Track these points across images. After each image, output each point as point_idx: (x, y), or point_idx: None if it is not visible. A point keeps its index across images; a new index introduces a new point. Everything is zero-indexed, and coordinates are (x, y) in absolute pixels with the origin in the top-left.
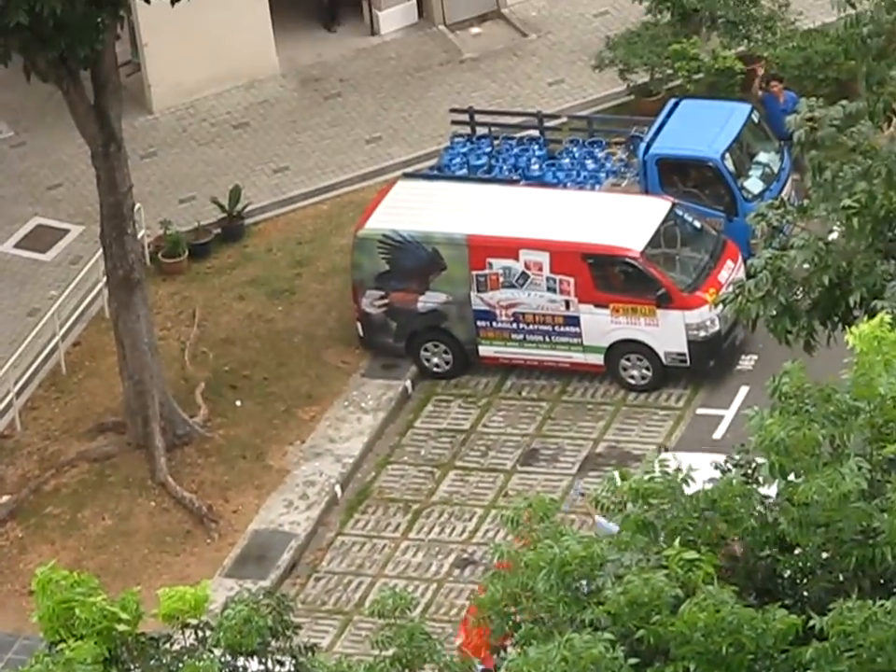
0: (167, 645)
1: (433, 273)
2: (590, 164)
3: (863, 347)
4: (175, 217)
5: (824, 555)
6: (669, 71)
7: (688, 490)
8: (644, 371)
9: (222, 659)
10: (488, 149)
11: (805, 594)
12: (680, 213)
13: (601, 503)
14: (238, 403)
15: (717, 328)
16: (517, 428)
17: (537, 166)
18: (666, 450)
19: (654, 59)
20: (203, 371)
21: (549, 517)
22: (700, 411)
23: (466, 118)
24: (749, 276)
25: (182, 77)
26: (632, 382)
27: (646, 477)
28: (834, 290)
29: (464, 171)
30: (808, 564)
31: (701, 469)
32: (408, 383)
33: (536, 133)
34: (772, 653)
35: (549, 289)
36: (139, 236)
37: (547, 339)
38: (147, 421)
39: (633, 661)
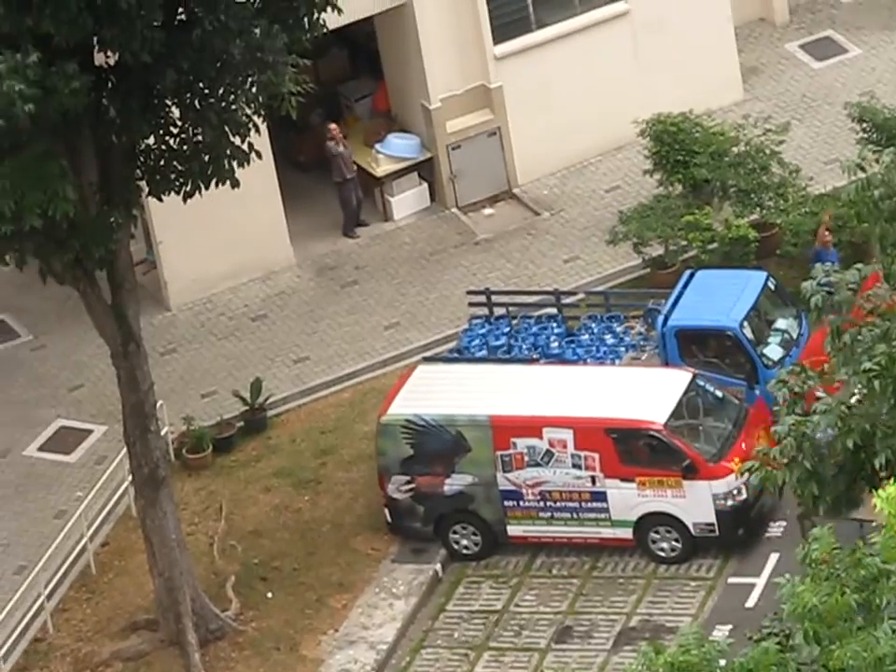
0: None
1: (458, 455)
2: (609, 339)
3: (891, 510)
4: (198, 411)
5: None
6: (683, 242)
7: (723, 662)
8: (673, 543)
9: None
10: (507, 329)
11: None
12: (702, 383)
13: None
14: (269, 595)
15: (744, 496)
16: (549, 606)
17: (556, 344)
18: None
19: (668, 231)
20: (232, 564)
21: None
22: (731, 580)
23: (483, 299)
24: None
25: (198, 272)
26: (662, 554)
27: (681, 650)
28: (859, 453)
29: (483, 352)
30: None
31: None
32: (438, 566)
33: (553, 310)
34: None
35: (574, 466)
36: (162, 433)
37: (575, 515)
38: (179, 617)
39: None
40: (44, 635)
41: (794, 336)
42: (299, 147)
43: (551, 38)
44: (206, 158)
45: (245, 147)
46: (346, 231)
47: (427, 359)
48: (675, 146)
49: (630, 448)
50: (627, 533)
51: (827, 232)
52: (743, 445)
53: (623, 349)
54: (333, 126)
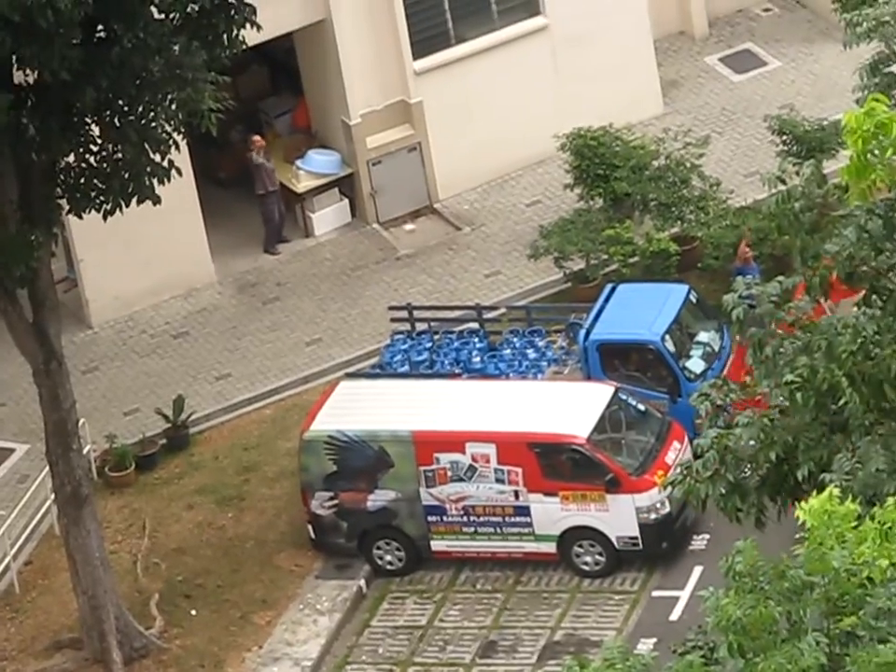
0: None
1: (381, 471)
2: (531, 354)
3: (814, 522)
4: (120, 429)
5: None
6: (604, 256)
7: None
8: (597, 557)
9: None
10: (429, 345)
11: None
12: (624, 397)
13: None
14: (193, 612)
15: (667, 509)
16: (474, 621)
17: (478, 358)
18: None
19: (589, 245)
20: (156, 582)
21: None
22: (655, 593)
23: (405, 314)
24: (696, 456)
25: (119, 290)
26: (586, 568)
27: (605, 664)
28: (782, 466)
29: (406, 367)
30: None
31: None
32: (362, 582)
33: (475, 325)
34: None
35: (497, 480)
36: (85, 451)
37: (498, 530)
38: (103, 636)
39: None
40: None
41: (716, 349)
42: (219, 163)
43: (470, 53)
44: (126, 175)
45: (165, 164)
46: (268, 248)
47: (349, 375)
48: (595, 160)
49: (553, 462)
50: (551, 547)
51: (747, 248)
52: (666, 458)
53: (545, 363)
54: (256, 137)
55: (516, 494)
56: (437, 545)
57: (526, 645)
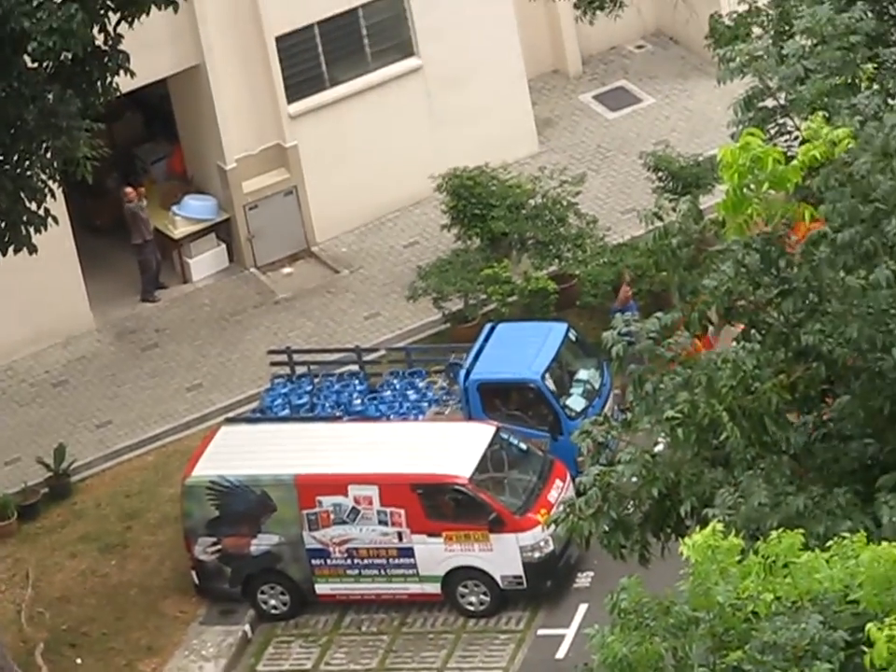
0: None
1: (264, 515)
2: (412, 395)
3: (698, 557)
4: (2, 479)
5: None
6: (483, 296)
7: None
8: (482, 597)
9: None
10: (309, 388)
11: None
12: (505, 436)
13: None
14: (78, 661)
15: (551, 548)
16: (360, 664)
17: (359, 401)
18: None
19: (467, 285)
20: (40, 631)
21: None
22: (541, 632)
23: (284, 358)
24: (578, 494)
25: None
26: (471, 608)
27: None
28: (665, 502)
29: (286, 411)
30: None
31: None
32: (247, 627)
33: (355, 367)
34: None
35: (380, 522)
36: None
37: (382, 572)
38: None
39: None
40: None
41: (596, 386)
42: (95, 211)
43: (345, 96)
44: (2, 224)
45: (41, 212)
46: (145, 296)
47: (229, 420)
48: (472, 199)
49: (436, 503)
50: (436, 588)
51: (628, 289)
52: (549, 497)
53: (426, 404)
54: (129, 190)
55: (400, 535)
56: (321, 588)
57: None
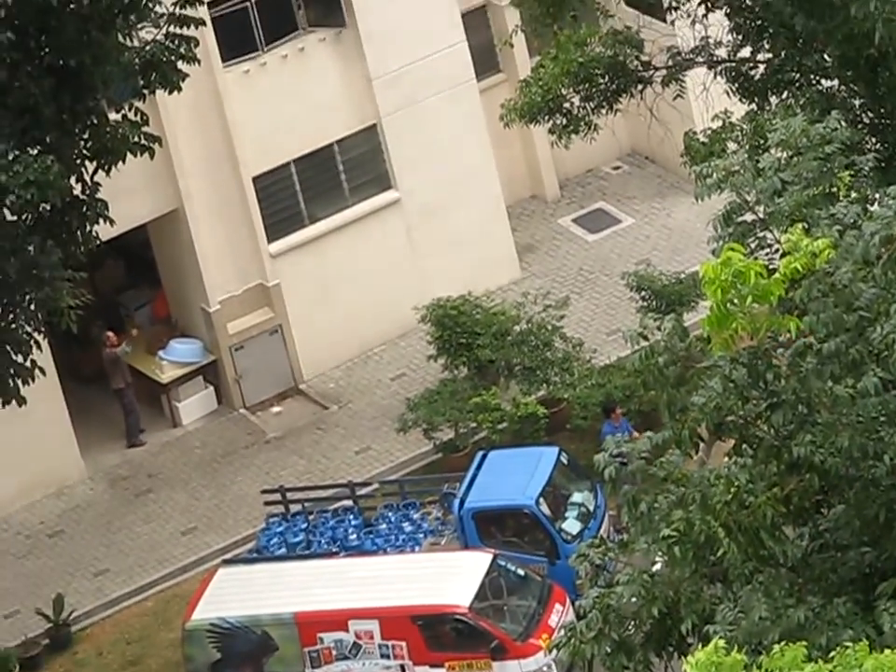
0: None
1: (266, 654)
2: (407, 527)
3: None
4: (2, 632)
5: None
6: (473, 424)
7: None
8: None
9: None
10: (304, 525)
11: None
12: (503, 563)
13: None
14: None
15: None
16: None
17: (354, 535)
18: None
19: (457, 414)
20: None
21: None
22: None
23: (278, 497)
24: (579, 617)
25: None
26: None
27: None
28: (665, 621)
29: (283, 550)
30: None
31: None
32: None
33: (349, 502)
34: None
35: (383, 656)
36: None
37: None
38: None
39: None
40: None
41: (591, 508)
42: (82, 359)
43: (324, 232)
44: None
45: (27, 364)
46: (131, 440)
47: (226, 562)
48: (457, 329)
49: (437, 633)
50: None
51: (619, 410)
52: (549, 621)
53: (421, 535)
54: (110, 334)
55: (402, 668)
56: None
57: None
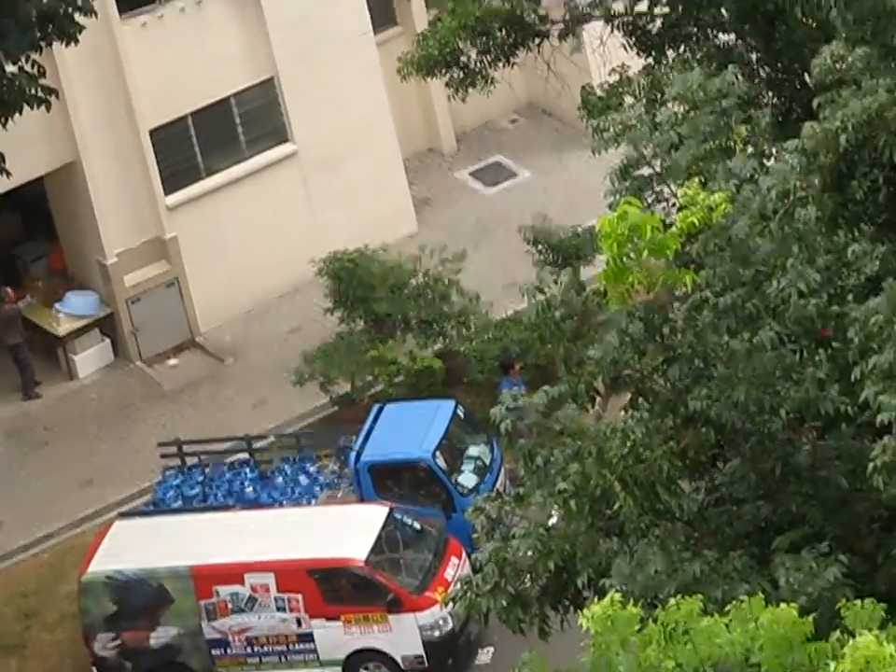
0: None
1: (162, 607)
2: (303, 480)
3: (597, 628)
4: None
5: None
6: (369, 377)
7: None
8: None
9: None
10: (201, 478)
11: None
12: (399, 516)
13: None
14: None
15: (450, 626)
16: None
17: (251, 488)
18: None
19: (353, 367)
20: None
21: None
22: None
23: (174, 450)
24: (475, 571)
25: None
26: None
27: None
28: (561, 574)
29: (179, 502)
30: None
31: None
32: None
33: (246, 455)
34: None
35: (279, 609)
36: None
37: (283, 658)
38: None
39: None
40: None
41: (487, 462)
42: None
43: (221, 185)
44: None
45: None
46: (27, 393)
47: (123, 514)
48: (353, 282)
49: (333, 587)
50: (337, 671)
51: (517, 367)
52: (445, 574)
53: (318, 488)
54: (9, 290)
55: (298, 621)
56: None
57: None
